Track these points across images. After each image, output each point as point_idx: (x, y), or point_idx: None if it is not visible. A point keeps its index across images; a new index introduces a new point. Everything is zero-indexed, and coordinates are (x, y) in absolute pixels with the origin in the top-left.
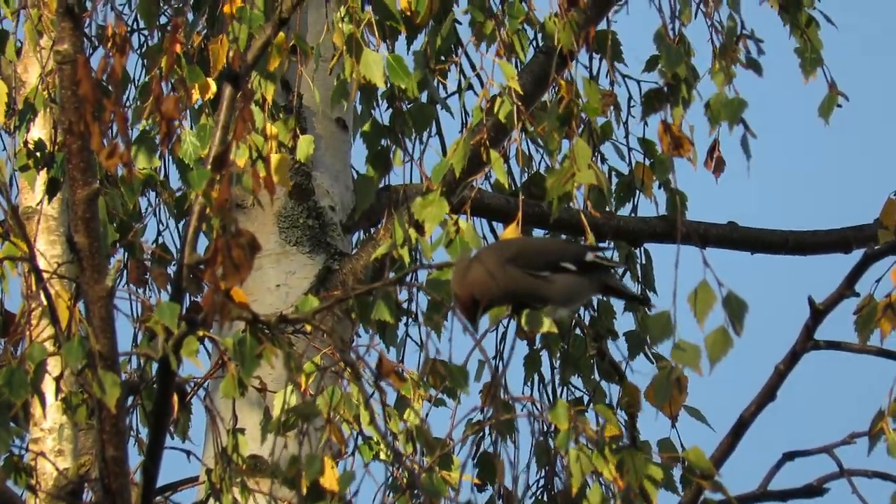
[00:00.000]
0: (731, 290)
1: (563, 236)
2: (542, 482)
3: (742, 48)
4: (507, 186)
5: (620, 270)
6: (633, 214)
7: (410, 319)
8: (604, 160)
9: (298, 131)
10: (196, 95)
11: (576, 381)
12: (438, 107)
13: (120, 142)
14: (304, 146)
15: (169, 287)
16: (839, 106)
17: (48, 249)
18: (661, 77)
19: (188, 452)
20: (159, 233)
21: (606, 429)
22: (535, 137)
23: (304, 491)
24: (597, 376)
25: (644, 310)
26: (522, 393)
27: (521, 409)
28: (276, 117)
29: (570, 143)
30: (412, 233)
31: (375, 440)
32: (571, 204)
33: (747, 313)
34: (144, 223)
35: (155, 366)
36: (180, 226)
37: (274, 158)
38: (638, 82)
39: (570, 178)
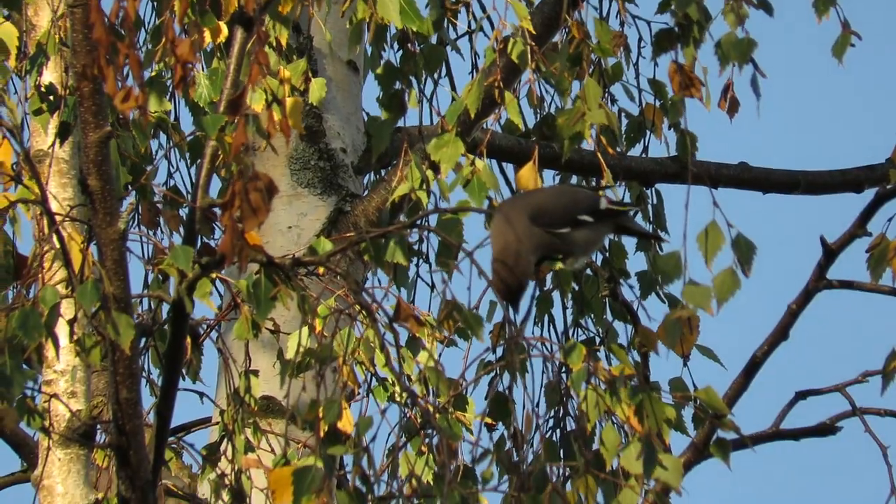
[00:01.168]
0: (740, 231)
1: (574, 178)
2: (551, 422)
3: None
4: (520, 127)
5: (632, 212)
6: (643, 155)
7: (421, 260)
8: (613, 101)
9: (310, 74)
10: (208, 39)
11: (587, 321)
12: (448, 48)
13: (134, 85)
14: (317, 89)
15: (181, 229)
16: (852, 45)
17: (60, 192)
18: (672, 18)
19: (201, 394)
20: (170, 174)
21: (619, 369)
22: (549, 77)
23: (322, 434)
24: (609, 317)
25: (656, 249)
26: (533, 333)
27: (533, 350)
28: (290, 60)
29: (581, 83)
30: (429, 174)
31: (391, 381)
32: (583, 144)
33: (755, 255)
34: (156, 165)
35: (166, 307)
36: (192, 169)
37: (288, 102)
38: (648, 23)
39: (580, 118)
